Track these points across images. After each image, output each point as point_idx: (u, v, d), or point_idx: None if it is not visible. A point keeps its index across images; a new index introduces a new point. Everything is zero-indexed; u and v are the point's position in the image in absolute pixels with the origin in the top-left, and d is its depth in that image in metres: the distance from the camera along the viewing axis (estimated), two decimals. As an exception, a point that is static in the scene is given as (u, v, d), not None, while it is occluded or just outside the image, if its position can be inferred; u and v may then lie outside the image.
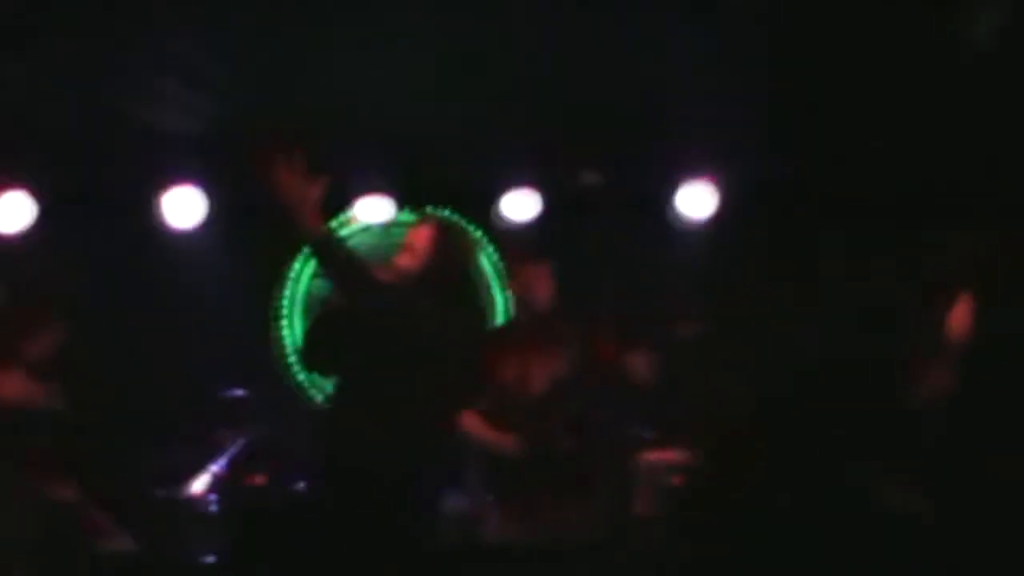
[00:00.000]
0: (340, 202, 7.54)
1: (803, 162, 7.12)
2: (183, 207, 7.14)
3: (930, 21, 6.09)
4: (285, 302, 7.92)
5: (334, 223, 7.90)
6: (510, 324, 6.17)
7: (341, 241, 4.92)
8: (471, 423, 5.76)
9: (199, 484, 6.73)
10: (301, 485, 6.76)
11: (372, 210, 7.46)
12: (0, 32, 5.98)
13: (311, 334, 5.27)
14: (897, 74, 6.52)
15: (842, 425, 5.48)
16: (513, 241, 7.42)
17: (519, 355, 5.83)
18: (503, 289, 8.02)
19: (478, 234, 7.98)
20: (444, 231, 5.08)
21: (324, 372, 5.83)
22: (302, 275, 7.95)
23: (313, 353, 5.14)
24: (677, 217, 7.37)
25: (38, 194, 6.98)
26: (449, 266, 5.00)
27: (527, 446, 5.68)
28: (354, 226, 7.89)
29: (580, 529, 5.63)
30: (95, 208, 7.13)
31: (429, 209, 7.92)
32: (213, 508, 6.69)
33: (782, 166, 7.13)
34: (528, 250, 6.47)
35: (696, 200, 7.32)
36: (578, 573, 5.43)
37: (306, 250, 7.79)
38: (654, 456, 6.86)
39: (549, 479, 5.66)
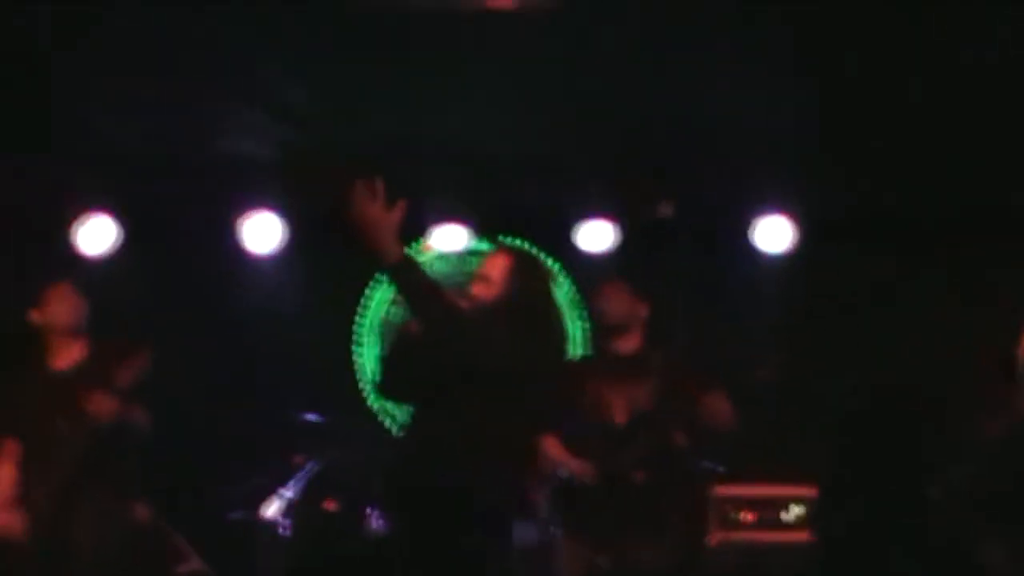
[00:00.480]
0: (416, 229, 7.59)
1: (878, 195, 7.08)
2: (262, 232, 7.21)
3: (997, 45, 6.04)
4: (359, 328, 7.98)
5: (412, 249, 7.97)
6: (593, 353, 6.18)
7: (420, 267, 4.93)
8: (551, 447, 5.78)
9: (273, 508, 6.78)
10: (373, 512, 6.79)
11: (448, 238, 7.49)
12: (89, 60, 6.08)
13: (387, 361, 5.29)
14: (969, 104, 6.48)
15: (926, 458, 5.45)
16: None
17: (602, 384, 5.84)
18: (579, 319, 8.02)
19: (554, 265, 8.01)
20: (519, 261, 5.09)
21: (400, 399, 5.86)
22: (375, 301, 8.01)
23: (389, 380, 5.16)
24: (753, 250, 7.34)
25: (122, 218, 7.08)
26: (523, 296, 5.00)
27: (603, 475, 5.68)
28: (429, 254, 7.94)
29: (651, 562, 5.61)
30: (176, 233, 7.21)
31: (504, 238, 7.97)
32: (285, 532, 6.73)
33: (858, 200, 7.08)
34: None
35: (773, 233, 7.29)
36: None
37: (381, 276, 7.90)
38: (726, 490, 6.87)
39: (622, 511, 5.64)
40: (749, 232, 7.33)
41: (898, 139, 6.81)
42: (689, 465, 6.00)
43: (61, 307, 5.76)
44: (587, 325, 8.01)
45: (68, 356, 5.81)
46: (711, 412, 5.79)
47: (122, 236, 7.11)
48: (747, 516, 6.76)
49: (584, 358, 6.22)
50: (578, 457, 5.74)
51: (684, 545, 5.92)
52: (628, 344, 5.98)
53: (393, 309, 7.99)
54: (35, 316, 5.81)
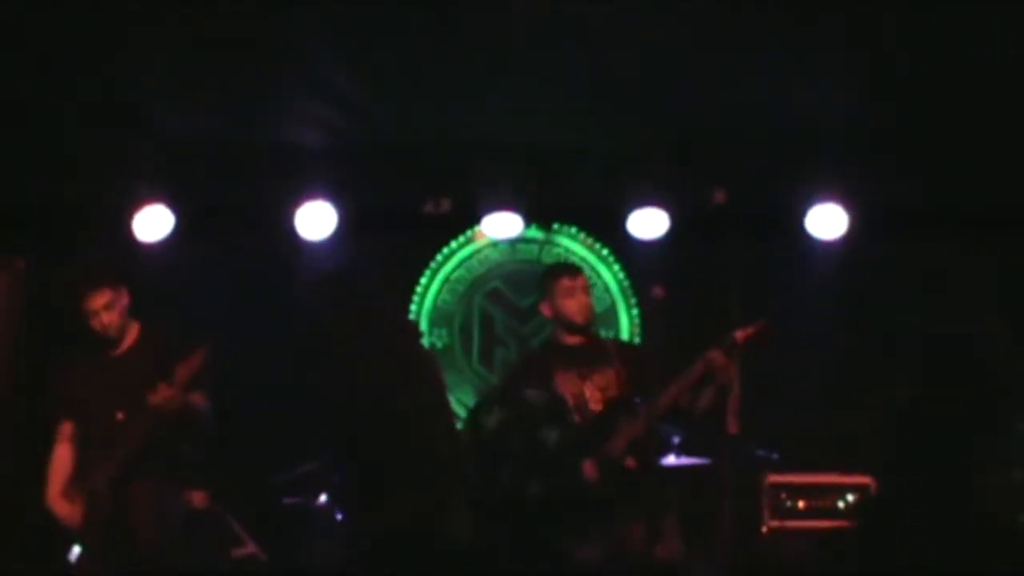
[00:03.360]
0: (468, 218, 7.62)
1: (931, 184, 7.03)
2: (316, 220, 7.25)
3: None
4: (414, 316, 8.02)
5: (461, 238, 8.01)
6: (547, 346, 6.11)
7: None
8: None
9: (326, 495, 6.84)
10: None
11: (499, 226, 7.51)
12: (146, 47, 6.15)
13: None
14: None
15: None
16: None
17: (570, 376, 5.76)
18: (628, 308, 8.03)
19: (604, 251, 8.01)
20: None
21: None
22: (429, 290, 8.04)
23: None
24: (807, 238, 7.32)
25: (177, 207, 7.15)
26: None
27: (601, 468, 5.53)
28: (481, 242, 7.97)
29: (651, 551, 5.51)
30: (231, 221, 7.26)
31: (557, 225, 7.99)
32: (339, 518, 6.78)
33: (911, 188, 7.04)
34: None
35: (826, 221, 7.26)
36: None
37: (435, 266, 7.96)
38: (780, 477, 6.85)
39: (619, 501, 5.50)
40: (803, 220, 7.29)
41: (951, 129, 6.79)
42: (737, 452, 5.96)
43: (102, 311, 5.81)
44: (635, 312, 8.04)
45: (123, 342, 5.89)
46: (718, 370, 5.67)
47: (178, 224, 7.15)
48: (801, 504, 6.75)
49: (542, 352, 6.13)
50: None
51: (735, 531, 5.87)
52: (579, 337, 5.87)
53: (443, 297, 8.03)
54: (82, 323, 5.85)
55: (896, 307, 7.39)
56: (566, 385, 5.68)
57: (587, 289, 5.95)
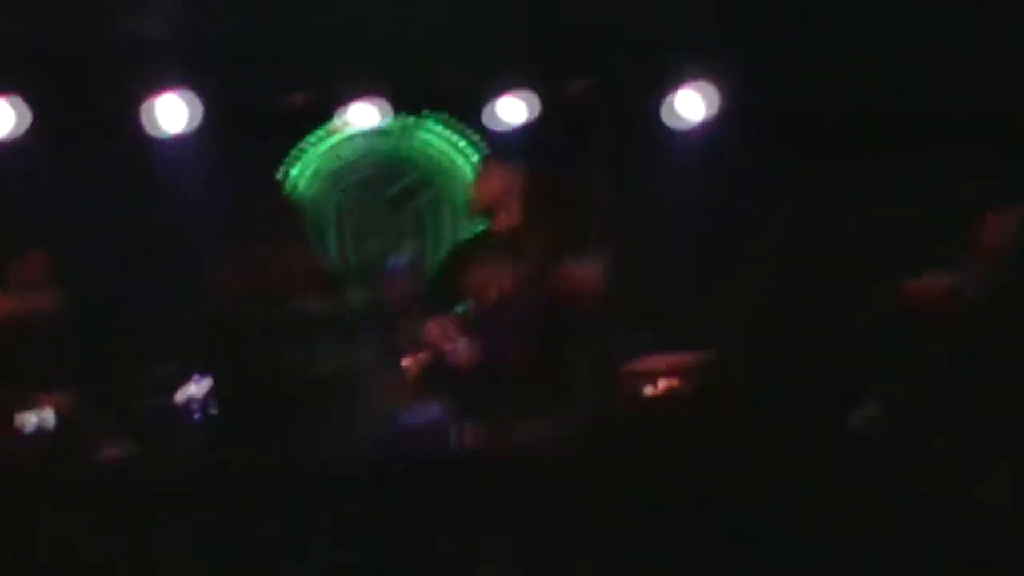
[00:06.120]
0: (326, 110, 7.51)
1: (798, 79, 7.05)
2: (169, 115, 7.11)
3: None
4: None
5: (323, 130, 7.89)
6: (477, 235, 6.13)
7: None
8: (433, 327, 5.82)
9: (188, 392, 6.79)
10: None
11: (361, 116, 7.41)
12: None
13: None
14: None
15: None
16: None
17: (480, 264, 5.84)
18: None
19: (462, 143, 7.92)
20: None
21: None
22: (299, 181, 7.94)
23: None
24: (668, 127, 7.31)
25: (30, 103, 6.97)
26: None
27: (478, 355, 5.68)
28: (339, 135, 7.84)
29: (545, 439, 5.60)
30: (84, 118, 7.09)
31: (421, 114, 7.89)
32: (198, 417, 6.76)
33: (773, 80, 7.04)
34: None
35: (686, 107, 7.25)
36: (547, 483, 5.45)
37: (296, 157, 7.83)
38: (640, 364, 6.91)
39: (505, 389, 5.64)
40: (661, 108, 7.28)
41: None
42: (592, 342, 5.99)
43: None
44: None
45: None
46: (572, 277, 5.73)
47: (30, 120, 6.97)
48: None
49: (467, 241, 6.16)
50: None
51: (591, 420, 5.93)
52: (502, 223, 5.94)
53: (311, 191, 7.94)
54: None
55: (757, 201, 7.44)
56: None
57: None
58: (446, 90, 7.58)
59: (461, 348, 5.71)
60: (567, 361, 5.75)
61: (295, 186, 7.89)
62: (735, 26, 6.99)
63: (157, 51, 7.00)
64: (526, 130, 7.43)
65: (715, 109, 7.24)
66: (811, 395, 5.33)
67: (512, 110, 7.42)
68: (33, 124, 6.96)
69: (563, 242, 5.79)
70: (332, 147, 7.90)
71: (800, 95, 7.10)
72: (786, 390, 5.38)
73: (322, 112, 7.61)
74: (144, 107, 7.07)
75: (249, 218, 6.27)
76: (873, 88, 7.02)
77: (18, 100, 6.93)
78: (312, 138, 7.89)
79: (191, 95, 7.10)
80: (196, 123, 7.16)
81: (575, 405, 5.67)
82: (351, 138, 7.86)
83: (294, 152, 7.88)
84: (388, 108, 7.49)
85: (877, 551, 4.49)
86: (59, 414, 6.38)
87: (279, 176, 7.78)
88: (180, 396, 6.79)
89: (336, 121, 7.60)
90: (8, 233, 5.73)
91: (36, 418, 6.02)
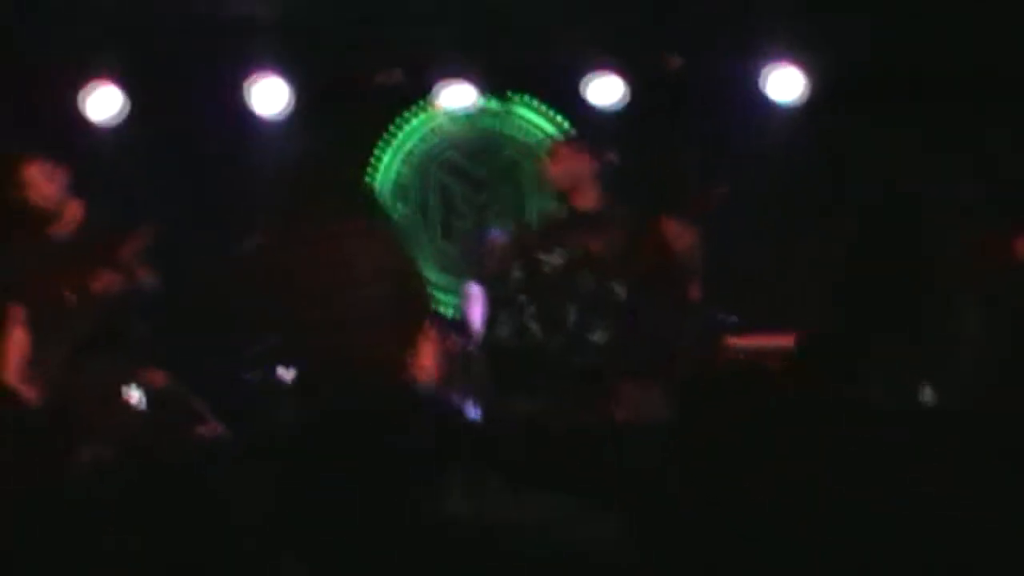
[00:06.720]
0: (422, 89, 7.54)
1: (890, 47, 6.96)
2: (267, 95, 7.18)
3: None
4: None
5: (415, 108, 7.91)
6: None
7: None
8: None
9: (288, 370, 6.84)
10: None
11: (455, 97, 7.43)
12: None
13: None
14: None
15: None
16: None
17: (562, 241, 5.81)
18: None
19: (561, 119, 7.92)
20: None
21: None
22: (391, 166, 7.98)
23: None
24: (765, 102, 7.26)
25: (128, 88, 7.07)
26: None
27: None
28: (436, 112, 7.86)
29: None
30: (183, 99, 7.17)
31: (513, 95, 7.90)
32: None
33: (870, 51, 6.96)
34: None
35: (783, 85, 7.20)
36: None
37: (390, 138, 7.88)
38: (739, 340, 6.87)
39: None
40: (759, 83, 7.23)
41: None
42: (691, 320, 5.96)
43: (40, 182, 5.71)
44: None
45: (65, 224, 5.77)
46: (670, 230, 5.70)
47: (129, 106, 7.07)
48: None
49: (551, 218, 6.14)
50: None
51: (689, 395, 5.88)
52: (583, 201, 5.91)
53: (404, 171, 7.98)
54: (17, 195, 5.73)
55: (849, 172, 7.38)
56: None
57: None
58: (539, 71, 7.58)
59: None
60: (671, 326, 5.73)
61: (389, 166, 7.95)
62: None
63: (253, 33, 7.08)
64: (620, 111, 7.40)
65: (809, 85, 7.17)
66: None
67: (605, 90, 7.39)
68: (133, 108, 7.05)
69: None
70: (431, 126, 7.94)
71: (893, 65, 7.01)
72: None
73: (415, 92, 7.65)
74: (243, 88, 7.13)
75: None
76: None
77: (118, 87, 7.04)
78: (408, 115, 7.95)
79: (286, 77, 7.16)
80: (292, 105, 7.21)
81: (675, 372, 5.63)
82: (452, 117, 7.89)
83: (389, 132, 7.94)
84: (480, 90, 7.50)
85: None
86: (157, 390, 6.47)
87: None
88: (280, 372, 6.86)
89: (434, 100, 7.61)
90: (117, 213, 5.81)
91: (140, 392, 6.08)
